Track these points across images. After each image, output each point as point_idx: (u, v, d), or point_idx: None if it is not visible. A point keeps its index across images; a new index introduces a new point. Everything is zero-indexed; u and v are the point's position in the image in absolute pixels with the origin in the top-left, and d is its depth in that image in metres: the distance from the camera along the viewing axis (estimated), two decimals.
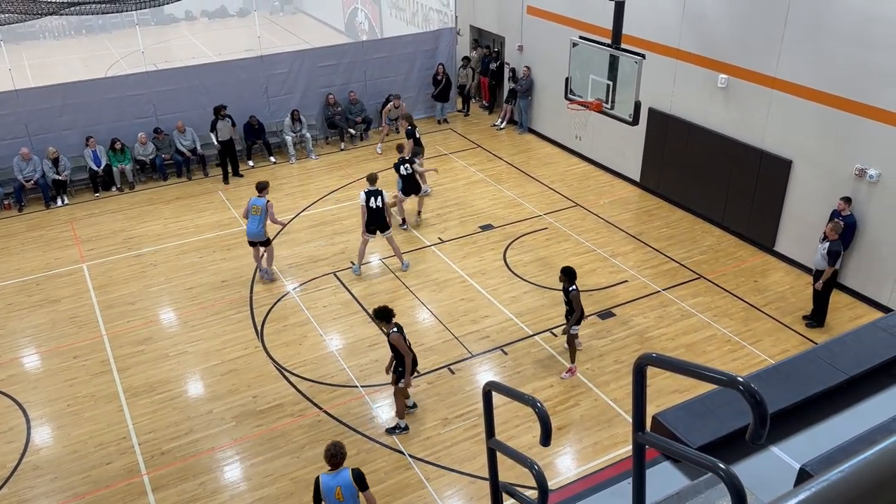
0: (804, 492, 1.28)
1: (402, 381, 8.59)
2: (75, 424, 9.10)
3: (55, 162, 14.60)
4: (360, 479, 6.49)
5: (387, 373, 8.97)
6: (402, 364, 8.52)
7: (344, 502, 6.44)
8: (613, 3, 11.01)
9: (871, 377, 5.28)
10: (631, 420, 2.76)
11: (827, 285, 10.29)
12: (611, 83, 11.06)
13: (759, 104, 11.99)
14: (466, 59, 19.22)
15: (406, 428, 8.85)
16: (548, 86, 16.90)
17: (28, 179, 14.48)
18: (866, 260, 10.93)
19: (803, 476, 4.02)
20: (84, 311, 11.34)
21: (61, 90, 15.08)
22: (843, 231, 10.35)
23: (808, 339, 10.35)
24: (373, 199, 11.73)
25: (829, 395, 5.11)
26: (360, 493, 6.51)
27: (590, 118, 12.74)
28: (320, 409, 9.24)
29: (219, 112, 15.25)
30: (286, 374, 9.89)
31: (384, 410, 9.21)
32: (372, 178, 11.86)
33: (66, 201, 14.90)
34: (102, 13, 12.61)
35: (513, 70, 18.06)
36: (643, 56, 10.57)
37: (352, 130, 17.43)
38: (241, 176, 15.92)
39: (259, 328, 10.85)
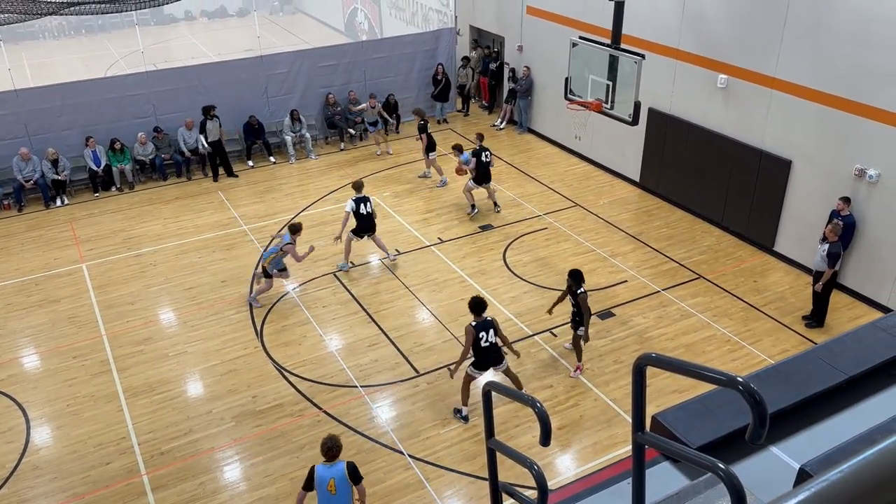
0: (804, 492, 1.28)
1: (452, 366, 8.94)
2: (75, 424, 9.10)
3: (54, 162, 14.60)
4: (354, 473, 6.62)
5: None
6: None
7: (336, 494, 6.52)
8: (613, 3, 11.01)
9: (871, 377, 5.28)
10: (630, 420, 2.76)
11: (826, 286, 10.29)
12: (610, 83, 11.06)
13: (759, 104, 12.00)
14: (466, 58, 19.22)
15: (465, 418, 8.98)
16: (547, 86, 16.90)
17: (28, 179, 14.48)
18: (866, 260, 10.93)
19: (803, 476, 4.02)
20: (83, 311, 11.34)
21: (61, 90, 15.08)
22: (843, 231, 10.35)
23: (807, 339, 10.35)
24: (362, 205, 11.89)
25: (829, 395, 5.11)
26: (354, 486, 6.63)
27: (589, 118, 12.75)
28: (320, 409, 9.24)
29: (208, 112, 15.26)
30: (286, 374, 9.89)
31: (383, 410, 9.21)
32: (358, 186, 12.13)
33: (66, 201, 14.90)
34: (102, 13, 12.61)
35: (512, 70, 18.06)
36: (643, 56, 10.57)
37: (351, 130, 17.43)
38: (236, 176, 15.90)
39: (259, 328, 10.85)
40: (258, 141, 16.48)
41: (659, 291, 11.54)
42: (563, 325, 10.71)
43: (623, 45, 11.04)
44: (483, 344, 8.57)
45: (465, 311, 11.08)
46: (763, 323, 10.74)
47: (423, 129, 15.13)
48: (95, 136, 15.08)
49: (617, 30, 11.05)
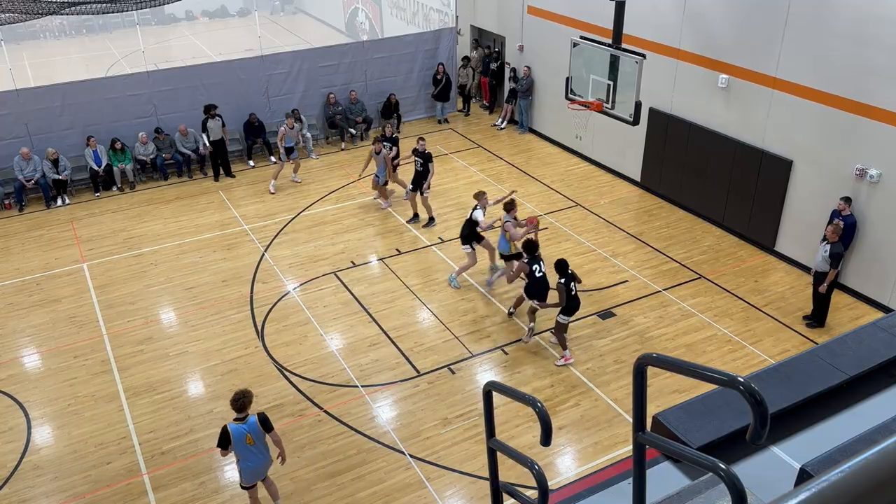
0: (804, 492, 1.28)
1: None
2: (76, 424, 9.10)
3: (55, 162, 14.61)
4: (265, 422, 7.10)
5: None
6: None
7: (254, 446, 7.07)
8: (614, 2, 11.01)
9: (872, 377, 5.28)
10: (631, 420, 2.76)
11: (828, 286, 10.28)
12: (611, 83, 11.06)
13: (760, 104, 11.99)
14: (466, 58, 19.23)
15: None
16: (548, 86, 16.90)
17: (28, 179, 14.49)
18: (867, 260, 10.93)
19: (804, 476, 4.02)
20: (84, 311, 11.34)
21: (62, 90, 15.09)
22: (844, 231, 10.35)
23: (808, 339, 10.34)
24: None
25: (830, 395, 5.11)
26: (267, 435, 7.13)
27: (590, 118, 12.75)
28: (321, 408, 9.24)
29: (209, 111, 15.27)
30: (286, 373, 9.89)
31: (384, 410, 9.21)
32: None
33: (67, 201, 14.91)
34: (103, 13, 12.61)
35: (513, 70, 18.06)
36: (644, 56, 10.57)
37: (352, 130, 17.43)
38: (233, 176, 15.89)
39: (259, 328, 10.86)
40: (259, 140, 16.48)
41: (660, 291, 11.54)
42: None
43: (624, 45, 11.04)
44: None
45: (465, 312, 11.10)
46: (764, 323, 10.74)
47: (394, 142, 14.56)
48: (96, 136, 15.09)
49: (618, 29, 11.05)
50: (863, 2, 10.11)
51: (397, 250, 12.84)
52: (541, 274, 9.98)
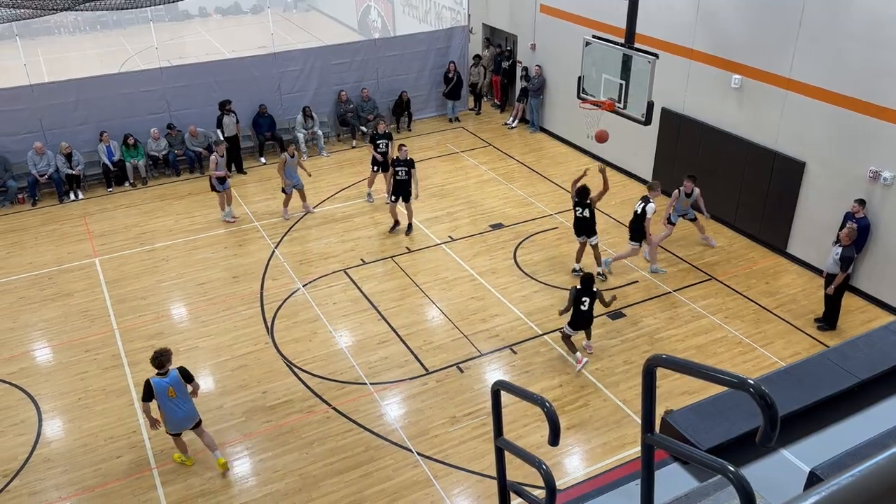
0: (814, 496, 1.27)
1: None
2: (86, 418, 9.17)
3: (68, 157, 14.71)
4: (186, 374, 7.88)
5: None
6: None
7: (177, 398, 7.78)
8: (627, 1, 10.97)
9: (883, 381, 5.24)
10: (640, 421, 2.75)
11: (839, 288, 10.21)
12: (623, 82, 11.02)
13: (773, 105, 11.91)
14: (478, 57, 19.21)
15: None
16: (560, 85, 16.86)
17: (42, 174, 14.60)
18: (880, 263, 10.84)
19: (813, 480, 4.00)
20: (96, 306, 11.42)
21: (75, 85, 15.19)
22: (857, 234, 10.27)
23: (819, 342, 10.28)
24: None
25: (841, 398, 5.08)
26: (188, 385, 7.87)
27: (602, 117, 12.71)
28: (329, 405, 9.27)
29: (224, 107, 15.33)
30: (296, 370, 9.92)
31: (392, 408, 9.23)
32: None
33: (80, 196, 15.01)
34: (117, 9, 12.66)
35: (525, 69, 18.03)
36: (657, 56, 10.52)
37: (363, 128, 17.45)
38: (245, 173, 15.95)
39: (269, 324, 10.90)
40: (269, 134, 16.52)
41: (670, 292, 11.50)
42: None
43: (637, 45, 10.99)
44: (582, 308, 9.62)
45: (474, 310, 11.10)
46: (775, 325, 10.68)
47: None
48: (109, 132, 15.18)
49: (631, 29, 11.01)
50: (878, 3, 10.03)
51: (407, 248, 12.85)
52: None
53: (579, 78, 11.90)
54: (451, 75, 18.34)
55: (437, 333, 10.65)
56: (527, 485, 3.97)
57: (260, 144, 16.57)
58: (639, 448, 2.92)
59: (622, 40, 11.10)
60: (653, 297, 11.38)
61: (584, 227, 11.57)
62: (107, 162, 15.10)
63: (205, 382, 9.78)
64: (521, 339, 10.45)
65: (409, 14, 23.48)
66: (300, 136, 16.58)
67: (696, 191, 12.14)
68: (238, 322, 10.94)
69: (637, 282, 11.77)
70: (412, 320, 10.95)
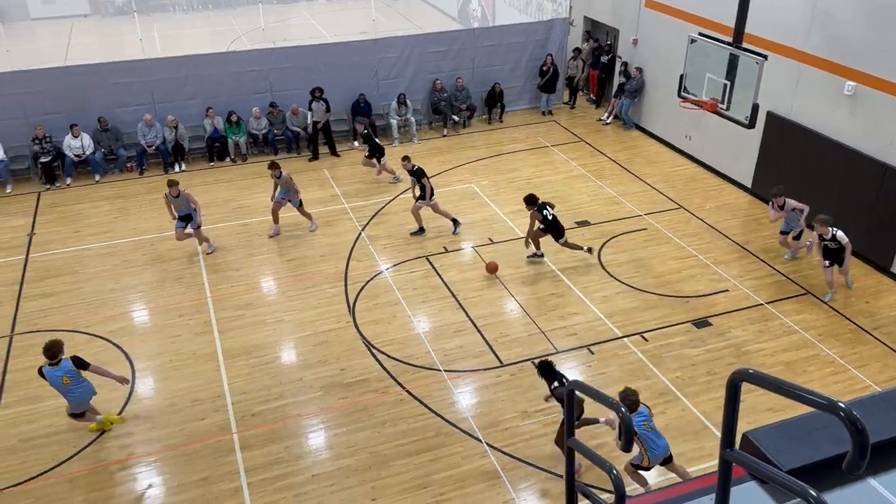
0: None
1: None
2: (176, 379, 9.67)
3: (175, 129, 15.47)
4: (79, 362, 8.16)
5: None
6: None
7: (71, 384, 8.12)
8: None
9: None
10: (719, 435, 2.67)
11: None
12: (728, 83, 10.62)
13: (890, 116, 11.19)
14: (577, 50, 18.92)
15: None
16: (660, 82, 16.40)
17: (150, 145, 15.41)
18: None
19: None
20: (192, 273, 11.99)
21: (186, 62, 15.92)
22: None
23: None
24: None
25: None
26: (83, 373, 8.19)
27: (703, 118, 12.30)
28: (403, 388, 9.42)
29: (314, 94, 15.71)
30: (374, 350, 10.12)
31: (465, 396, 9.29)
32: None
33: (184, 167, 15.76)
34: None
35: (625, 64, 17.62)
36: (765, 57, 10.08)
37: (455, 117, 17.53)
38: (338, 156, 16.30)
39: (351, 304, 11.15)
40: (366, 121, 16.85)
41: (762, 304, 11.04)
42: (656, 328, 10.46)
43: (745, 44, 10.55)
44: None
45: (553, 307, 11.01)
46: (871, 347, 10.09)
47: (366, 138, 14.63)
48: (215, 108, 15.84)
49: (740, 28, 10.58)
50: None
51: (490, 239, 12.85)
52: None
53: (681, 76, 11.54)
54: (546, 68, 18.14)
55: (513, 327, 10.62)
56: (595, 487, 3.93)
57: (354, 129, 16.91)
58: (716, 462, 2.84)
59: (730, 39, 10.68)
60: (742, 307, 10.95)
61: None
62: (210, 137, 15.77)
63: (287, 355, 10.13)
64: (599, 340, 10.30)
65: (510, 4, 23.35)
66: (393, 122, 16.82)
67: (793, 203, 11.52)
68: (322, 299, 11.24)
69: (727, 291, 11.36)
70: (490, 311, 10.96)
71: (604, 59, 18.58)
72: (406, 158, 13.01)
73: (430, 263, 12.17)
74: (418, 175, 12.73)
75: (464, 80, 17.60)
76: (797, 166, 12.98)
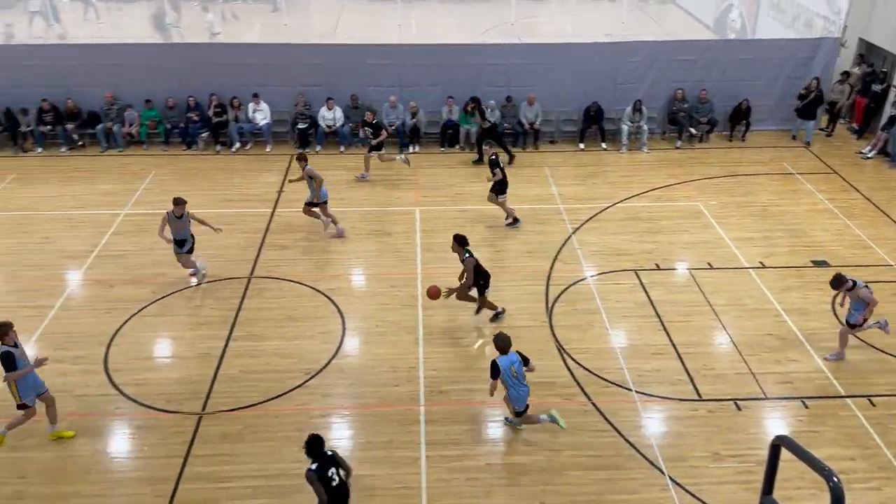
0: None
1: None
2: (378, 344, 10.29)
3: (414, 114, 16.37)
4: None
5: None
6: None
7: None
8: None
9: None
10: None
11: None
12: None
13: None
14: (846, 73, 17.07)
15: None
16: None
17: (391, 125, 16.47)
18: None
19: None
20: (408, 248, 12.65)
21: (434, 50, 16.74)
22: None
23: None
24: None
25: None
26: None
27: None
28: (589, 399, 9.21)
29: (466, 105, 15.78)
30: (565, 355, 10.00)
31: (653, 423, 8.86)
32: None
33: (417, 149, 16.65)
34: None
35: None
36: None
37: (693, 130, 16.66)
38: (513, 157, 15.80)
39: (550, 304, 11.10)
40: (594, 126, 16.61)
41: None
42: (888, 395, 9.22)
43: None
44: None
45: (770, 348, 10.10)
46: None
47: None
48: (455, 97, 16.50)
49: None
50: None
51: (709, 264, 12.09)
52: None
53: None
54: (809, 92, 16.54)
55: (720, 361, 9.92)
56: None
57: (581, 131, 16.73)
58: None
59: None
60: None
61: None
62: (446, 124, 16.50)
63: (478, 344, 10.34)
64: (817, 395, 9.28)
65: (774, 18, 21.63)
66: (625, 128, 16.40)
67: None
68: (522, 294, 11.31)
69: None
70: (696, 339, 10.33)
71: (876, 87, 16.58)
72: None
73: (639, 278, 11.73)
74: (493, 164, 12.76)
75: (708, 92, 16.65)
76: None
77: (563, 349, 10.12)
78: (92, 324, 10.53)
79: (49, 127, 16.20)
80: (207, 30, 21.99)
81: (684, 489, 7.92)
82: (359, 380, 9.62)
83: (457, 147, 16.74)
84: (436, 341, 10.31)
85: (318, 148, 16.57)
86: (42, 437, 8.55)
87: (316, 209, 12.88)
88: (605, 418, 8.90)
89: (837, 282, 9.64)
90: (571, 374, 9.67)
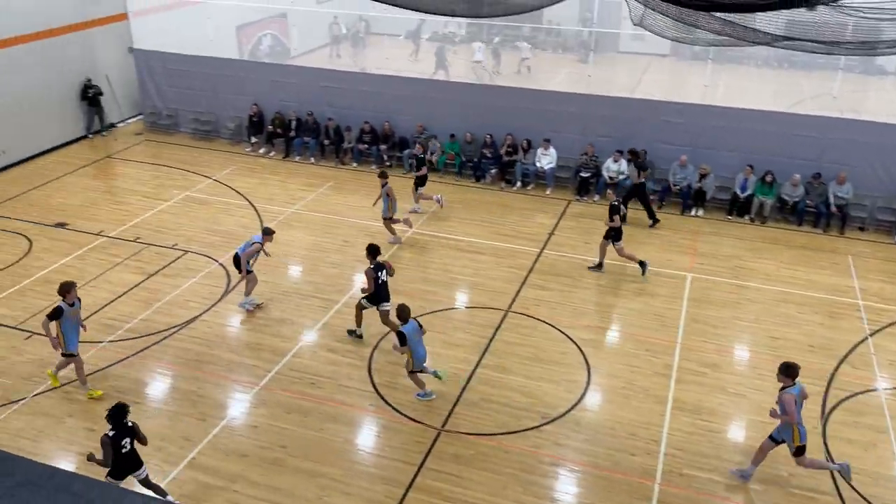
0: None
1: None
2: (621, 406, 9.91)
3: (702, 176, 15.62)
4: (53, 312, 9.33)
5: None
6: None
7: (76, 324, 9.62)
8: None
9: None
10: None
11: None
12: None
13: None
14: None
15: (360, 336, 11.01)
16: None
17: (676, 185, 15.90)
18: None
19: None
20: (671, 315, 12.05)
21: (733, 114, 15.81)
22: None
23: None
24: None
25: None
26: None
27: None
28: None
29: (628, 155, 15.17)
30: (835, 472, 8.70)
31: None
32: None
33: (700, 213, 15.85)
34: (812, 52, 12.64)
35: None
36: None
37: None
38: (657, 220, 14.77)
39: (826, 411, 9.77)
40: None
41: None
42: None
43: None
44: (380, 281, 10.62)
45: None
46: None
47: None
48: (754, 165, 15.45)
49: None
50: None
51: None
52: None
53: None
54: None
55: None
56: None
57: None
58: None
59: None
60: None
61: None
62: (738, 192, 15.52)
63: (735, 432, 9.44)
64: None
65: None
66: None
67: None
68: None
69: None
70: None
71: None
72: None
73: None
74: (612, 210, 12.69)
75: None
76: None
77: (833, 460, 8.82)
78: (364, 325, 11.57)
79: (366, 146, 18.37)
80: (517, 64, 23.33)
81: None
82: (594, 438, 9.34)
83: (746, 217, 15.62)
84: (684, 419, 9.65)
85: (597, 198, 16.56)
86: (303, 413, 9.60)
87: (394, 224, 14.27)
88: None
89: None
90: (839, 494, 8.38)
